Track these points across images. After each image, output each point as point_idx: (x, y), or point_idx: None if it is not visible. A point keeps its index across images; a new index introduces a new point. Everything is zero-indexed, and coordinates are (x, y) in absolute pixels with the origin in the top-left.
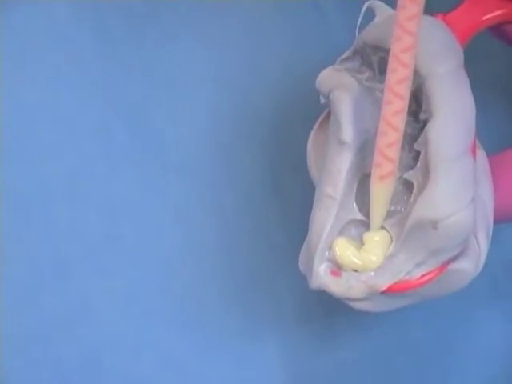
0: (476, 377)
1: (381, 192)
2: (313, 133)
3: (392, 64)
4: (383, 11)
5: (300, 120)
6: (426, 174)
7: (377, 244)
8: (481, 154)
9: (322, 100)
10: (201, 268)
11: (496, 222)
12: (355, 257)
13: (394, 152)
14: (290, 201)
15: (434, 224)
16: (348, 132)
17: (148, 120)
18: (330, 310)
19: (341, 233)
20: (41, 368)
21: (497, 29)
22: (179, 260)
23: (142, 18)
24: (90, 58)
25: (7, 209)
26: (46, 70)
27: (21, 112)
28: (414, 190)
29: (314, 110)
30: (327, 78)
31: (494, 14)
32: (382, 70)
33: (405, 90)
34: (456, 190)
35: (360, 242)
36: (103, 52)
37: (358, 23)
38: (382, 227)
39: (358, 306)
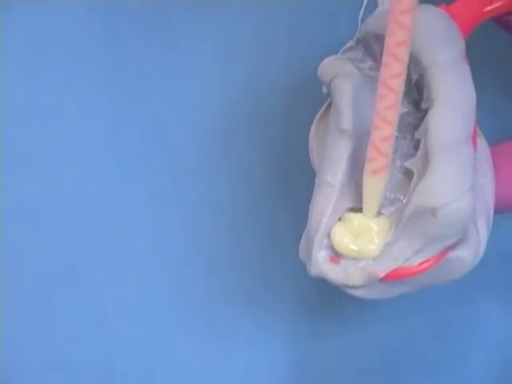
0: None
1: (373, 186)
2: (315, 122)
3: (386, 58)
4: (386, 1)
5: (311, 122)
6: (426, 162)
7: (376, 232)
8: (482, 142)
9: (325, 90)
10: (211, 275)
11: (497, 211)
12: (353, 245)
13: (387, 147)
14: (300, 205)
15: (432, 211)
16: (348, 120)
17: (160, 124)
18: (339, 312)
19: (340, 220)
20: (52, 377)
21: (500, 19)
22: (190, 267)
23: (154, 21)
24: (101, 61)
25: (17, 214)
26: (57, 72)
27: (31, 115)
28: (414, 178)
29: None
30: (329, 66)
31: (496, 5)
32: None
33: (398, 85)
34: (455, 178)
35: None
36: (115, 55)
37: (361, 13)
38: (381, 214)
39: (356, 293)
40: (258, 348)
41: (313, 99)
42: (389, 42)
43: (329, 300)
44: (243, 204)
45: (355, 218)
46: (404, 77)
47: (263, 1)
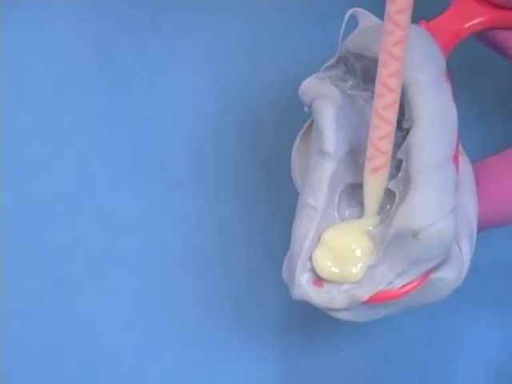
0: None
1: (374, 184)
2: (297, 141)
3: (383, 57)
4: (366, 19)
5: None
6: (408, 183)
7: (358, 255)
8: (464, 160)
9: (306, 109)
10: (203, 282)
11: (481, 228)
12: (335, 268)
13: (386, 145)
14: (291, 213)
15: (414, 234)
16: (330, 142)
17: (150, 133)
18: (331, 322)
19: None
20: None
21: (481, 35)
22: (182, 275)
23: (143, 31)
24: (91, 70)
25: (9, 223)
26: (46, 83)
27: (22, 126)
28: (396, 200)
29: None
30: (309, 87)
31: (476, 21)
32: (365, 77)
33: (396, 84)
34: (437, 200)
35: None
36: (105, 65)
37: (342, 31)
38: (365, 237)
39: (339, 316)
40: (249, 358)
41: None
42: (386, 42)
43: (321, 310)
44: (234, 212)
45: (336, 238)
46: (401, 76)
47: (255, 4)
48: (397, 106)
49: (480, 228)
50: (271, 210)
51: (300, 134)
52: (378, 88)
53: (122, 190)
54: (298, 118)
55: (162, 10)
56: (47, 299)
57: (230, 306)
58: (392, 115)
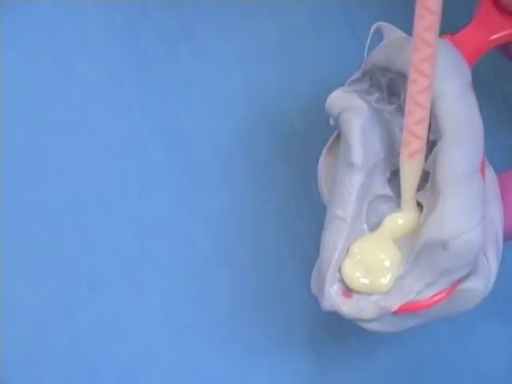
0: None
1: (410, 170)
2: (323, 154)
3: (416, 43)
4: (391, 33)
5: (332, 131)
6: (435, 194)
7: (387, 266)
8: (490, 172)
9: (332, 122)
10: (236, 282)
11: (507, 239)
12: (364, 279)
13: (421, 129)
14: (321, 211)
15: (443, 244)
16: (358, 154)
17: (181, 135)
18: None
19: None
20: (75, 382)
21: (504, 48)
22: (214, 274)
23: (176, 34)
24: (124, 73)
25: (41, 223)
26: (80, 86)
27: (55, 127)
28: (424, 211)
29: None
30: (336, 100)
31: (501, 34)
32: (390, 91)
33: (429, 67)
34: (465, 210)
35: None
36: (137, 68)
37: (367, 44)
38: (393, 247)
39: (369, 326)
40: (280, 355)
41: None
42: (418, 28)
43: None
44: (264, 210)
45: (365, 249)
46: (433, 61)
47: (287, 10)
48: (431, 91)
49: (505, 239)
50: (301, 211)
51: (326, 147)
52: (412, 74)
53: (154, 191)
54: (328, 122)
55: (195, 14)
56: (80, 299)
57: (261, 304)
58: (426, 100)
